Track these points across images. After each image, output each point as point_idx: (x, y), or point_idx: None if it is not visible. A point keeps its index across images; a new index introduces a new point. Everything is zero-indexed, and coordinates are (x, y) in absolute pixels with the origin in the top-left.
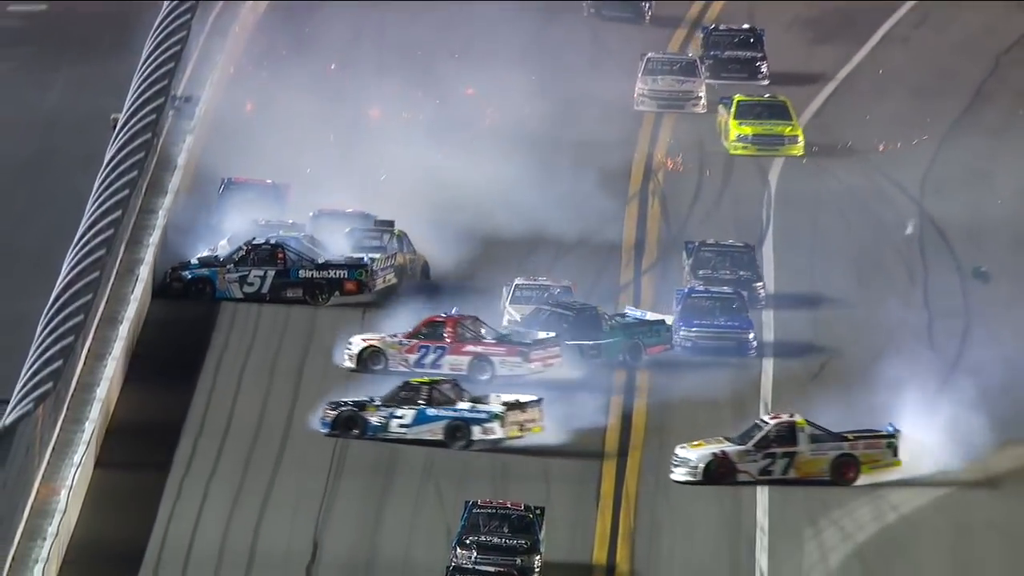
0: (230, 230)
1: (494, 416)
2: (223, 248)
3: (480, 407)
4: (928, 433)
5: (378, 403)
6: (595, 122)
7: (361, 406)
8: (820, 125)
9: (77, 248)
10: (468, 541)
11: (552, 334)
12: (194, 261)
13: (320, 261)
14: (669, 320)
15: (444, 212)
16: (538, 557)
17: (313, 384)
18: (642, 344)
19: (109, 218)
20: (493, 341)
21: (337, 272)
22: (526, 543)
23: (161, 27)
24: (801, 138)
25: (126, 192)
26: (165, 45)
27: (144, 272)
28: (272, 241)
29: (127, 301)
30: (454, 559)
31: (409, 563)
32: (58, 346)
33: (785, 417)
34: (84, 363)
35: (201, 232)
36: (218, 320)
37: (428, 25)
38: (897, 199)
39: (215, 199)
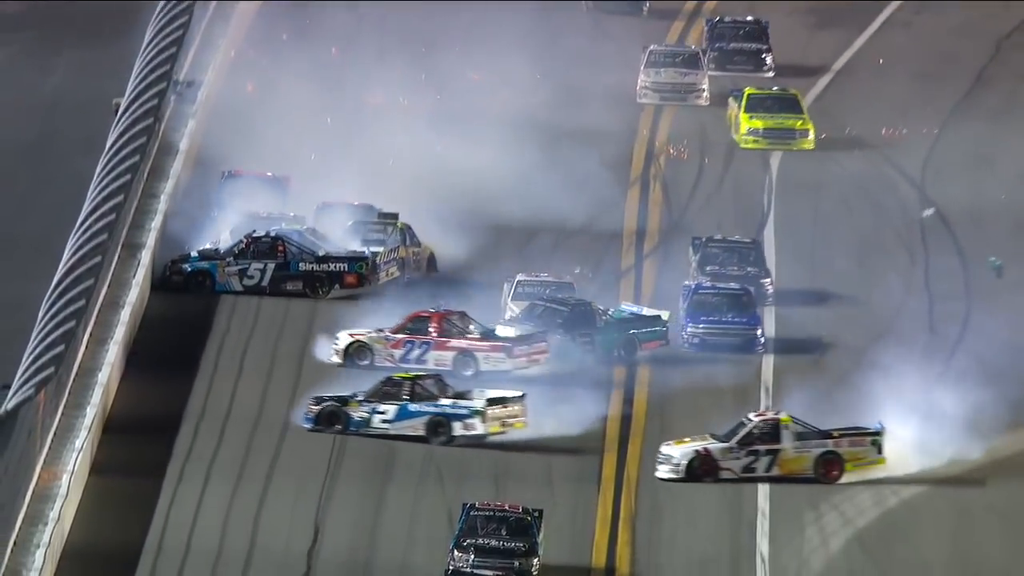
0: (231, 223)
1: (475, 412)
2: (225, 241)
3: (461, 403)
4: (928, 418)
5: (361, 398)
6: (596, 108)
7: (344, 401)
8: (821, 110)
9: (79, 232)
10: (466, 544)
11: (538, 329)
12: (194, 254)
13: (320, 254)
14: (665, 316)
15: (445, 200)
16: (536, 560)
17: (312, 375)
18: (637, 340)
19: (111, 203)
20: (478, 337)
21: (337, 265)
22: (524, 546)
23: (163, 11)
24: (812, 132)
25: (128, 177)
26: (167, 29)
27: (146, 257)
28: (273, 234)
29: (129, 286)
30: (452, 562)
31: (409, 564)
32: (60, 331)
33: (770, 414)
34: (86, 348)
35: (202, 221)
36: (219, 307)
37: (429, 11)
38: (898, 184)
39: (215, 192)
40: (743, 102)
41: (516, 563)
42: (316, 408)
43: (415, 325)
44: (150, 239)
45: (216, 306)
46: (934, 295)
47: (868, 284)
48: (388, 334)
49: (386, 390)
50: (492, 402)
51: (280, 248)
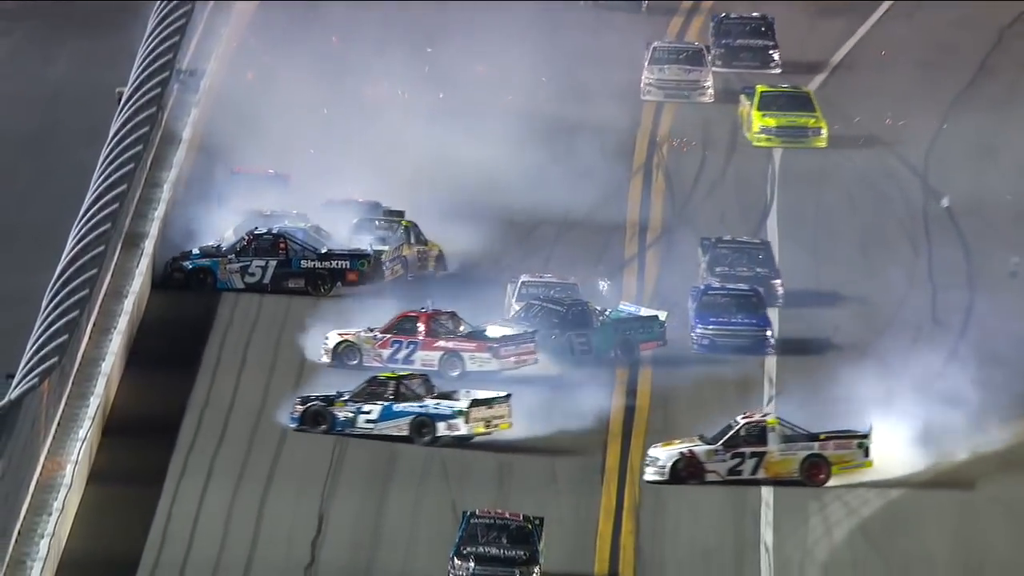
0: (235, 221)
1: (458, 412)
2: (228, 239)
3: (445, 403)
4: (932, 409)
5: (346, 398)
6: (598, 100)
7: (329, 401)
8: (823, 101)
9: (82, 222)
10: (466, 552)
11: (529, 329)
12: (195, 251)
13: (322, 251)
14: (663, 316)
15: (448, 193)
16: (537, 568)
17: (313, 371)
18: (635, 340)
19: (114, 192)
20: (464, 337)
21: (339, 262)
22: (525, 554)
23: (166, 1)
24: (825, 130)
25: (131, 166)
26: (170, 19)
27: (149, 246)
28: (274, 231)
29: (132, 275)
30: (452, 570)
31: (410, 563)
32: (63, 320)
33: (757, 416)
34: (89, 337)
35: (204, 211)
36: (222, 298)
37: (432, 4)
38: (901, 175)
39: (217, 189)
40: (755, 100)
41: (517, 572)
42: (301, 408)
43: (403, 325)
44: (153, 228)
45: (219, 298)
46: (937, 286)
47: (871, 275)
48: (376, 334)
49: (371, 390)
50: (476, 403)
51: (282, 245)
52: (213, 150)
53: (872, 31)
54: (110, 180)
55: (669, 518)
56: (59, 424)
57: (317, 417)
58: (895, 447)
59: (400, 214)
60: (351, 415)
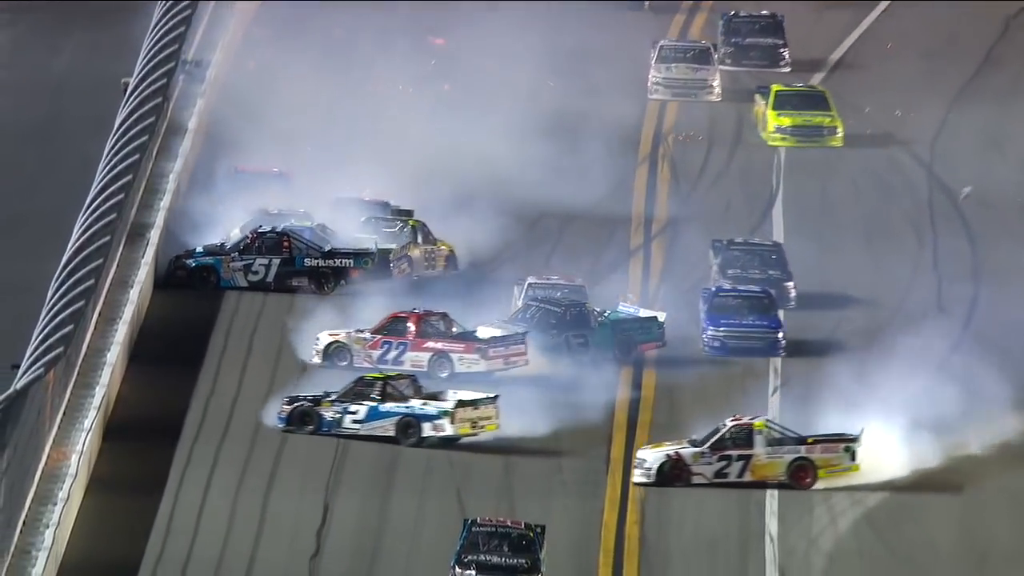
0: (241, 219)
1: (443, 413)
2: (234, 238)
3: (431, 404)
4: (937, 398)
5: (333, 398)
6: (603, 93)
7: (316, 401)
8: (829, 89)
9: (88, 212)
10: (467, 560)
11: (520, 331)
12: (199, 249)
13: (326, 249)
14: (662, 317)
15: (452, 186)
16: None
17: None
18: (633, 341)
19: (120, 182)
20: (454, 338)
21: (343, 260)
22: (527, 562)
23: None
24: (840, 129)
25: (137, 156)
26: (176, 9)
27: (155, 236)
28: (279, 229)
29: (137, 265)
30: None
31: (412, 562)
32: (69, 311)
33: (745, 419)
34: (94, 328)
35: (209, 209)
36: (226, 293)
37: None
38: (906, 165)
39: (220, 187)
40: (771, 99)
41: None
42: (288, 408)
43: (393, 326)
44: (159, 218)
45: (222, 293)
46: (942, 276)
47: (876, 265)
48: (367, 335)
49: (358, 390)
50: (462, 403)
51: (286, 244)
52: (219, 141)
53: (877, 23)
54: (116, 170)
55: (674, 508)
56: (64, 414)
57: (304, 417)
58: (900, 437)
59: (409, 213)
60: (338, 415)
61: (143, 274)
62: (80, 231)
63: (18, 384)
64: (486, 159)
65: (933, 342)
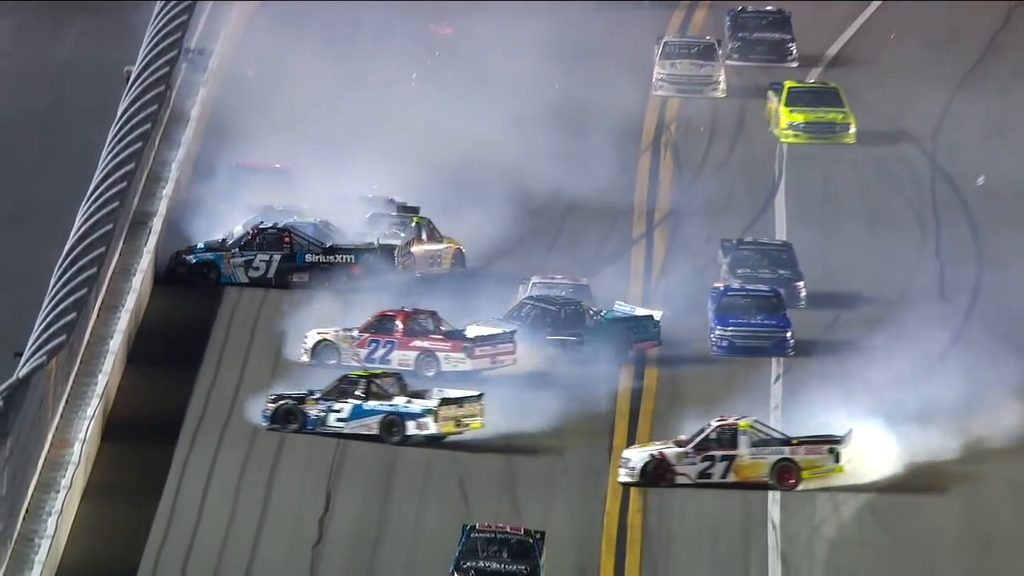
0: (244, 216)
1: (427, 411)
2: (237, 234)
3: (415, 402)
4: (940, 385)
5: (317, 396)
6: (604, 77)
7: (301, 399)
8: (832, 79)
9: (90, 201)
10: (466, 566)
11: (508, 329)
12: (200, 245)
13: (327, 245)
14: (658, 316)
15: (454, 177)
16: None
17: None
18: (629, 340)
19: (122, 171)
20: (440, 337)
21: (344, 256)
22: (526, 569)
23: None
24: (853, 125)
25: (139, 144)
26: None
27: (157, 224)
28: (280, 225)
29: (140, 254)
30: None
31: (415, 559)
32: (71, 299)
33: (730, 420)
34: (97, 316)
35: (210, 197)
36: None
37: None
38: (909, 152)
39: (221, 184)
40: (783, 96)
41: None
42: (273, 406)
43: (381, 324)
44: (161, 207)
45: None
46: (944, 263)
47: (878, 252)
48: (355, 333)
49: (342, 388)
50: (446, 402)
51: (286, 239)
52: (221, 129)
53: (879, 13)
54: (118, 159)
55: (676, 496)
56: (67, 402)
57: (288, 415)
58: (902, 425)
59: (414, 210)
60: (322, 413)
61: (145, 262)
62: (83, 219)
63: (20, 372)
64: (489, 149)
65: (936, 330)
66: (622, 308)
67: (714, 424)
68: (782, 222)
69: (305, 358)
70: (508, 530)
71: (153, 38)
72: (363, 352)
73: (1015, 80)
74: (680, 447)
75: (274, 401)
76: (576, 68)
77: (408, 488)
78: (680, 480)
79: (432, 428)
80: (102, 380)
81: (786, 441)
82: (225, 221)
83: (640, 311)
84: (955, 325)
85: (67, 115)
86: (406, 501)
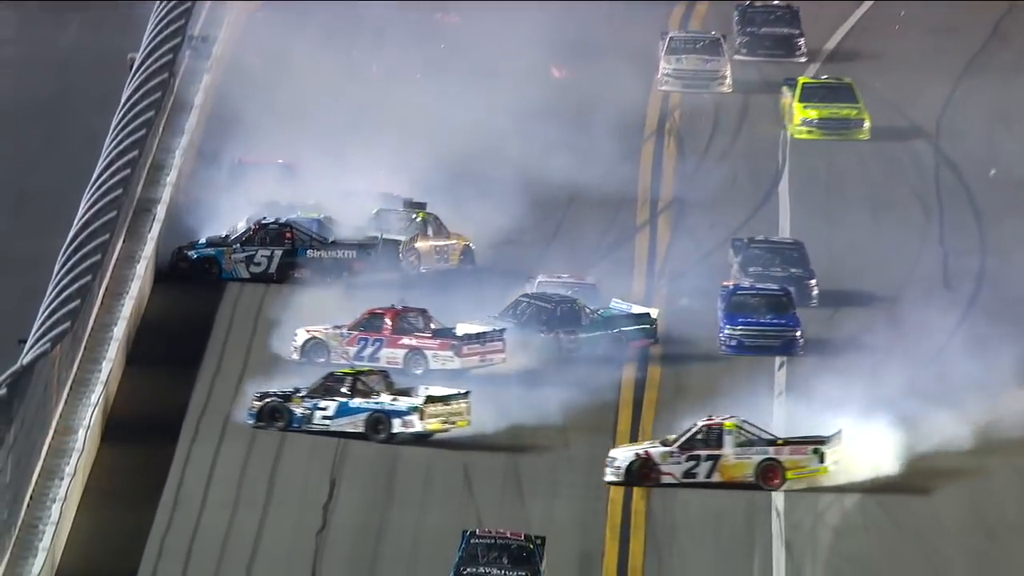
0: (247, 211)
1: (413, 409)
2: (240, 229)
3: (401, 400)
4: (944, 373)
5: (303, 394)
6: (607, 67)
7: (287, 397)
8: (834, 69)
9: (94, 188)
10: (466, 572)
11: (498, 327)
12: (201, 241)
13: (329, 241)
14: (655, 313)
15: (457, 169)
16: None
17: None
18: (624, 338)
19: (126, 158)
20: (428, 334)
21: (345, 252)
22: (527, 574)
23: None
24: (868, 121)
25: (143, 132)
26: None
27: (160, 211)
28: (282, 220)
29: (143, 241)
30: None
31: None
32: (75, 286)
33: (716, 419)
34: (101, 303)
35: (214, 184)
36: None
37: None
38: (913, 139)
39: (224, 179)
40: (797, 92)
41: None
42: (259, 404)
43: (370, 322)
44: (165, 194)
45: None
46: (948, 250)
47: (882, 240)
48: (344, 331)
49: (328, 385)
50: (432, 399)
51: (288, 235)
52: (225, 117)
53: (883, 2)
54: (122, 146)
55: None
56: (71, 389)
57: (274, 413)
58: (905, 412)
59: (422, 205)
60: (308, 411)
61: (149, 248)
62: (86, 207)
63: (25, 359)
64: (491, 141)
65: (940, 317)
66: (619, 306)
67: (700, 424)
68: (785, 210)
69: (295, 356)
70: (508, 535)
71: (156, 25)
72: (352, 350)
73: (1019, 67)
74: (666, 446)
75: (260, 399)
76: (581, 57)
77: (412, 479)
78: (665, 479)
79: (418, 426)
80: (106, 367)
81: (771, 441)
82: (228, 217)
83: (637, 309)
84: (959, 312)
85: (71, 103)
86: (410, 491)
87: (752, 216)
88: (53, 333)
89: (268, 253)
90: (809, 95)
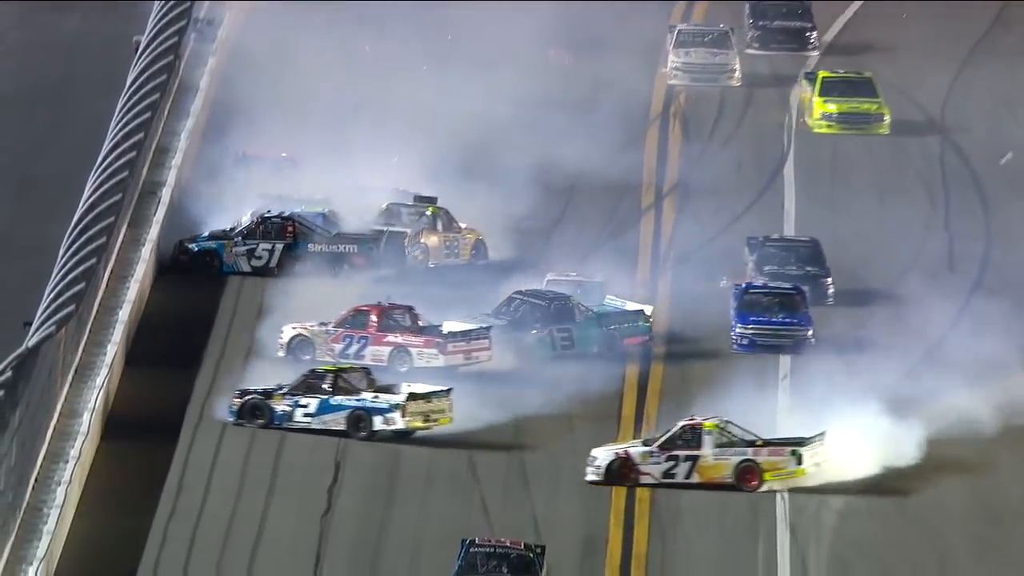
0: (251, 205)
1: (394, 406)
2: (245, 223)
3: (382, 397)
4: (949, 359)
5: (284, 391)
6: (612, 54)
7: (268, 394)
8: (840, 50)
9: (99, 171)
10: None
11: (484, 325)
12: (203, 234)
13: (332, 234)
14: (649, 311)
15: (457, 160)
16: None
17: None
18: (618, 335)
19: (131, 140)
20: (414, 332)
21: (347, 246)
22: None
23: None
24: (887, 116)
25: (148, 115)
26: None
27: (165, 195)
28: (284, 214)
29: (148, 224)
30: None
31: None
32: (80, 268)
33: (697, 420)
34: (106, 285)
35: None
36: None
37: None
38: (918, 124)
39: (228, 172)
40: (817, 86)
41: None
42: (239, 401)
43: (355, 319)
44: (170, 177)
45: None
46: (954, 235)
47: (887, 224)
48: (329, 328)
49: (309, 383)
50: (414, 397)
51: (290, 228)
52: (230, 100)
53: None
54: (127, 129)
55: None
56: (76, 372)
57: (255, 411)
58: (909, 400)
59: (432, 200)
60: (289, 408)
61: (154, 232)
62: (92, 190)
63: (30, 342)
64: (496, 133)
65: (944, 302)
66: (613, 303)
67: (681, 424)
68: (790, 194)
69: (281, 353)
70: (508, 544)
71: (162, 8)
72: (337, 347)
73: (1023, 52)
74: (647, 446)
75: (240, 396)
76: (586, 44)
77: (413, 464)
78: (644, 480)
79: (399, 423)
80: (111, 350)
81: (751, 442)
82: (231, 210)
83: (631, 305)
84: (964, 297)
85: (76, 86)
86: (413, 480)
87: (756, 200)
88: (58, 316)
89: (269, 247)
90: (829, 89)
